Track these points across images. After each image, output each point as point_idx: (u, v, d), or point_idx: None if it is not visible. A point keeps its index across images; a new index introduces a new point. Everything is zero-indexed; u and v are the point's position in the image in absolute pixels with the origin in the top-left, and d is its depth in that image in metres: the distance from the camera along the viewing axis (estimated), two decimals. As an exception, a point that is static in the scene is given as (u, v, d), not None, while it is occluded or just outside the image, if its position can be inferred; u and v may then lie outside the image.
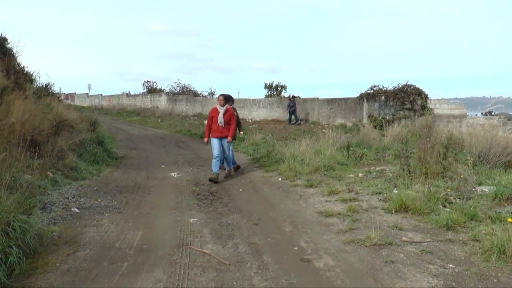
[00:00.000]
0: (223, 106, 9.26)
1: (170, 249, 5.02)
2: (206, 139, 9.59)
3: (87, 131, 12.77)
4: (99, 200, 7.33)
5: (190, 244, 5.15)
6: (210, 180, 8.90)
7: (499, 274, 4.11)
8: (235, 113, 9.53)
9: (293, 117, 24.02)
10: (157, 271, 4.37)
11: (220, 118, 9.15)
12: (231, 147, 9.63)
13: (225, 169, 9.76)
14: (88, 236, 5.42)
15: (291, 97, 24.86)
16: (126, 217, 6.38)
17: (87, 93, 56.06)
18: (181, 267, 4.46)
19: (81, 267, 4.46)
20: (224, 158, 9.48)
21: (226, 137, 9.20)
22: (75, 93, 58.18)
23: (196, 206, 7.06)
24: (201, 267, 4.45)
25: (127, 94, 46.92)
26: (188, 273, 4.29)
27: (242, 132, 10.54)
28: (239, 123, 10.20)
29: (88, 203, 7.05)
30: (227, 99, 9.43)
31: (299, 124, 23.40)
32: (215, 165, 9.11)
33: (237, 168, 10.30)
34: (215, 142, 9.21)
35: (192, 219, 6.24)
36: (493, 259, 4.34)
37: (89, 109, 38.12)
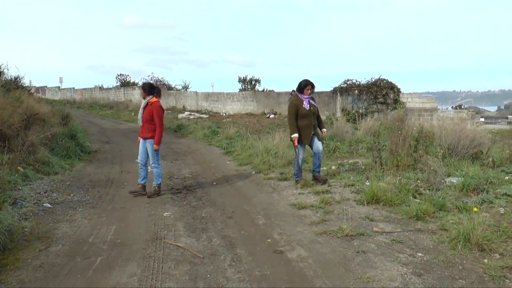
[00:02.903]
0: (144, 98, 7.28)
1: (144, 243, 5.02)
2: (139, 138, 7.49)
3: (59, 125, 12.58)
4: (72, 195, 7.26)
5: (164, 238, 5.15)
6: (130, 192, 7.38)
7: (464, 261, 4.25)
8: (161, 108, 7.27)
9: None
10: (131, 265, 4.37)
11: (139, 115, 7.27)
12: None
13: (322, 180, 7.73)
14: (61, 232, 5.38)
15: (291, 92, 23.97)
16: (99, 212, 6.34)
17: (59, 87, 55.07)
18: (155, 261, 4.47)
19: (53, 262, 4.43)
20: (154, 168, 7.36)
21: (148, 138, 7.19)
22: (46, 86, 57.10)
23: (170, 200, 7.05)
24: (175, 261, 4.47)
25: (100, 87, 46.31)
26: (162, 267, 4.31)
27: (324, 130, 8.14)
28: (319, 120, 8.08)
29: (60, 198, 6.98)
30: (147, 89, 7.27)
31: None
32: (140, 174, 7.41)
33: (324, 181, 7.70)
34: (140, 144, 7.41)
35: (166, 213, 6.24)
36: (459, 247, 4.48)
37: (61, 102, 37.46)
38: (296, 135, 7.56)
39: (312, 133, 7.74)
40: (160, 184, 7.42)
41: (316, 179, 7.77)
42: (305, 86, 7.71)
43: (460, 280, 3.87)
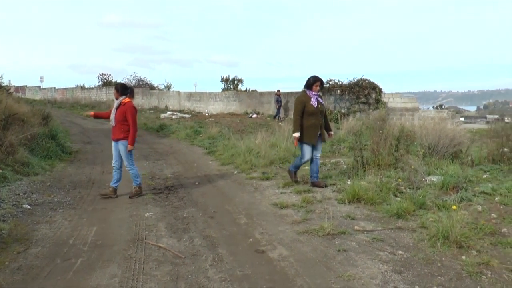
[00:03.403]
0: (117, 99, 7.15)
1: (125, 244, 4.98)
2: (90, 113, 7.60)
3: (39, 125, 12.40)
4: (52, 196, 7.17)
5: (145, 239, 5.12)
6: (101, 195, 7.29)
7: (443, 258, 4.31)
8: (134, 109, 7.14)
9: (281, 111, 23.33)
10: (112, 266, 4.33)
11: (112, 115, 7.11)
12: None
13: (322, 185, 7.33)
14: (41, 233, 5.31)
15: (277, 91, 23.73)
16: (80, 213, 6.27)
17: (39, 86, 54.37)
18: (136, 261, 4.44)
19: (32, 265, 4.36)
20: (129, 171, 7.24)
21: (120, 140, 7.06)
22: (26, 85, 56.34)
23: (152, 200, 7.01)
24: (156, 261, 4.45)
25: (81, 87, 45.85)
26: (143, 268, 4.28)
27: (331, 132, 7.78)
28: (326, 121, 7.59)
29: (40, 199, 6.89)
30: (120, 90, 7.14)
31: (280, 119, 22.36)
32: (113, 176, 7.26)
33: (318, 185, 7.33)
34: (112, 146, 7.27)
35: (147, 214, 6.20)
36: (438, 244, 4.55)
37: (42, 102, 37.00)
38: (297, 134, 7.16)
39: (319, 133, 7.33)
40: (139, 184, 7.34)
41: (315, 185, 7.34)
42: (314, 82, 7.22)
43: (439, 277, 3.92)
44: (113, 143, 7.20)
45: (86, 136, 16.77)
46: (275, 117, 23.06)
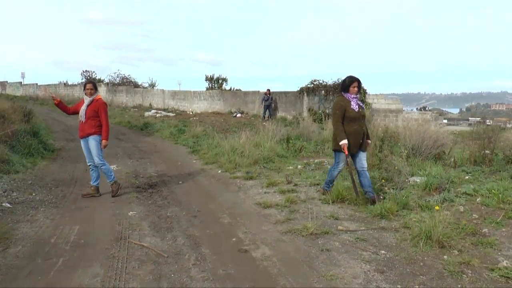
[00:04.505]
0: (90, 96, 7.04)
1: (108, 243, 4.93)
2: (57, 99, 7.08)
3: (21, 122, 12.23)
4: (33, 194, 7.07)
5: (128, 238, 5.09)
6: (83, 196, 7.11)
7: (425, 258, 4.36)
8: (106, 105, 7.20)
9: (267, 112, 22.99)
10: (94, 265, 4.29)
11: (82, 111, 6.97)
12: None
13: (377, 199, 6.16)
14: (21, 232, 5.23)
15: (266, 91, 23.27)
16: (62, 212, 6.20)
17: (21, 82, 53.53)
18: (119, 261, 4.40)
19: (12, 264, 4.29)
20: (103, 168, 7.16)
21: (90, 135, 6.99)
22: (6, 81, 55.48)
23: (135, 199, 6.96)
24: (139, 260, 4.42)
25: (64, 83, 45.26)
26: (126, 267, 4.25)
27: (369, 141, 6.75)
28: (366, 127, 6.66)
29: (21, 198, 6.78)
30: (96, 87, 7.24)
31: (267, 119, 21.60)
32: (91, 175, 7.22)
33: (372, 201, 6.13)
34: (82, 144, 7.21)
35: (131, 212, 6.16)
36: (421, 244, 4.60)
37: (23, 98, 36.49)
38: (345, 141, 6.22)
39: (361, 141, 6.42)
40: (115, 179, 7.26)
41: (374, 202, 6.14)
42: (351, 83, 6.39)
43: (421, 276, 3.96)
44: (82, 142, 7.13)
45: (69, 133, 16.56)
46: (270, 116, 22.57)
